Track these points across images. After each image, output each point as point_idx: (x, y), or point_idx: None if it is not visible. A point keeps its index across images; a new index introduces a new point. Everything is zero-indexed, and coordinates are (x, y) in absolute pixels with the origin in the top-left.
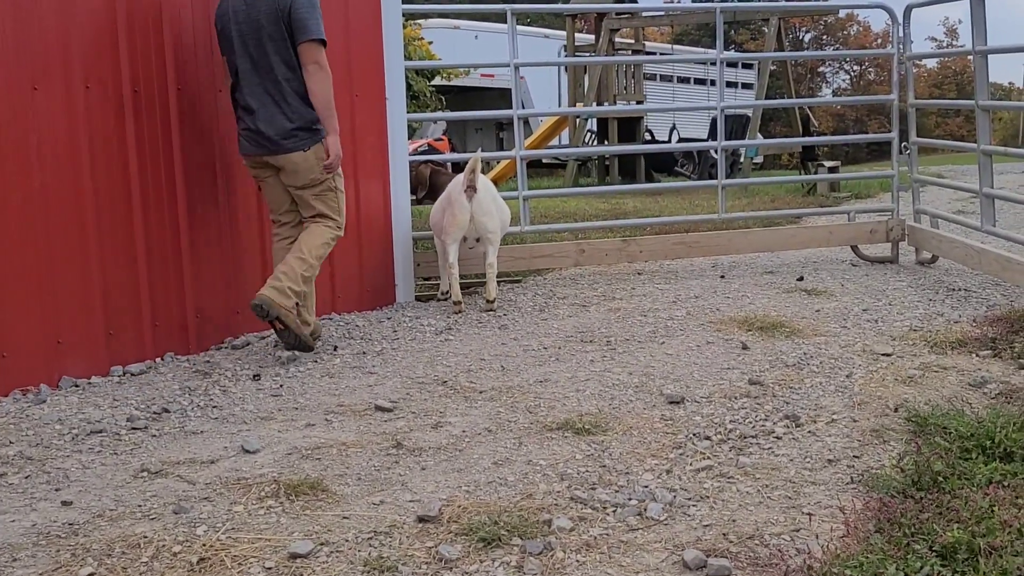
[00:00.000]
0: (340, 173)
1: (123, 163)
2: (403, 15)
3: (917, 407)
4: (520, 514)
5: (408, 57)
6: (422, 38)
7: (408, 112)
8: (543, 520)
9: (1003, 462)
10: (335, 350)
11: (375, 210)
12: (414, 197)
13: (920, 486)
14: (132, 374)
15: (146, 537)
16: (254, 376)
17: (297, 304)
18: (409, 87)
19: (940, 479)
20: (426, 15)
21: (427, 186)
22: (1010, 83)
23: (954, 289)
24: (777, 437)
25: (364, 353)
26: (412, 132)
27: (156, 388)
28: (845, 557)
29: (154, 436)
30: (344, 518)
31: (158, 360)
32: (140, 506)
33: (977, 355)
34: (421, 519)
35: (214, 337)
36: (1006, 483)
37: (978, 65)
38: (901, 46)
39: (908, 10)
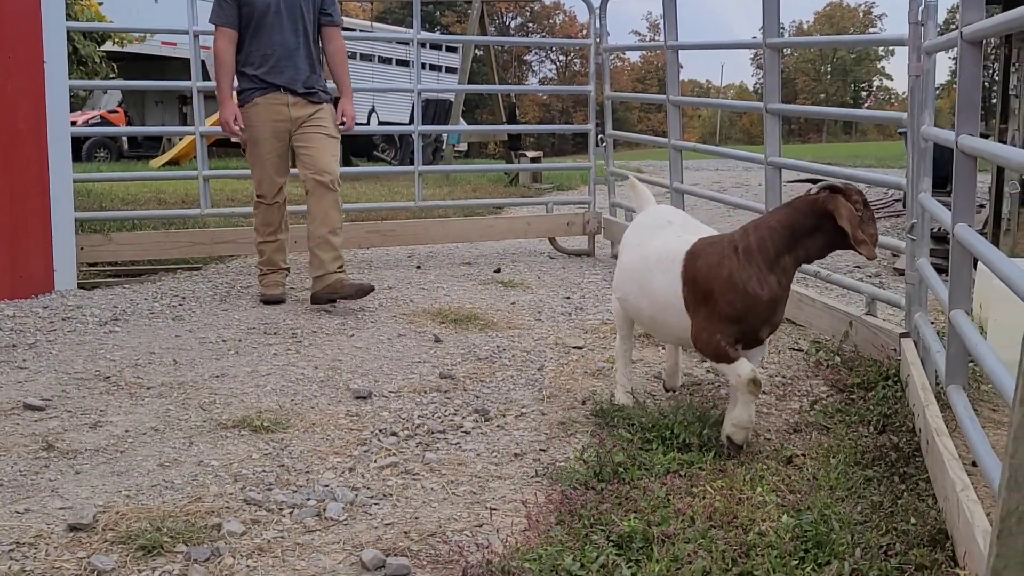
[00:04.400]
0: (251, 140)
1: None
2: None
3: (603, 400)
4: (187, 519)
5: (73, 17)
6: None
7: (73, 79)
8: (212, 525)
9: (681, 452)
10: None
11: (30, 186)
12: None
13: (602, 477)
14: None
15: None
16: None
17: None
18: (75, 51)
19: (621, 470)
20: None
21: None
22: (707, 81)
23: None
24: (465, 432)
25: (14, 346)
26: (82, 102)
27: None
28: (525, 550)
29: None
30: None
31: None
32: None
33: (662, 348)
34: (72, 528)
35: None
36: (682, 472)
37: (670, 60)
38: (598, 38)
39: (604, 2)
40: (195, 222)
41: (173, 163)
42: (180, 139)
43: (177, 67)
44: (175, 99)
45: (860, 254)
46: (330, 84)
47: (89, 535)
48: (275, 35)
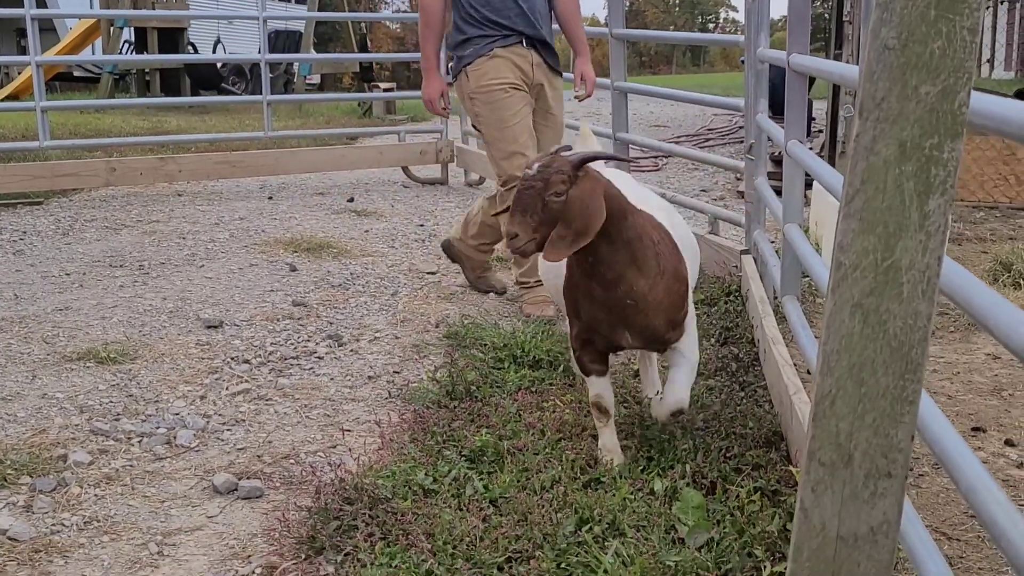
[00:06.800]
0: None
1: None
2: None
3: (456, 323)
4: (31, 451)
5: None
6: None
7: None
8: (58, 456)
9: (532, 369)
10: None
11: None
12: None
13: (454, 396)
14: None
15: None
16: None
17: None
18: None
19: (473, 388)
20: None
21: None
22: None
23: None
24: (319, 357)
25: None
26: None
27: None
28: (379, 468)
29: None
30: None
31: None
32: None
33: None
34: None
35: None
36: (533, 388)
37: None
38: None
39: None
40: (35, 155)
41: (13, 98)
42: (20, 73)
43: (14, 0)
44: (12, 32)
45: None
46: None
47: None
48: None
